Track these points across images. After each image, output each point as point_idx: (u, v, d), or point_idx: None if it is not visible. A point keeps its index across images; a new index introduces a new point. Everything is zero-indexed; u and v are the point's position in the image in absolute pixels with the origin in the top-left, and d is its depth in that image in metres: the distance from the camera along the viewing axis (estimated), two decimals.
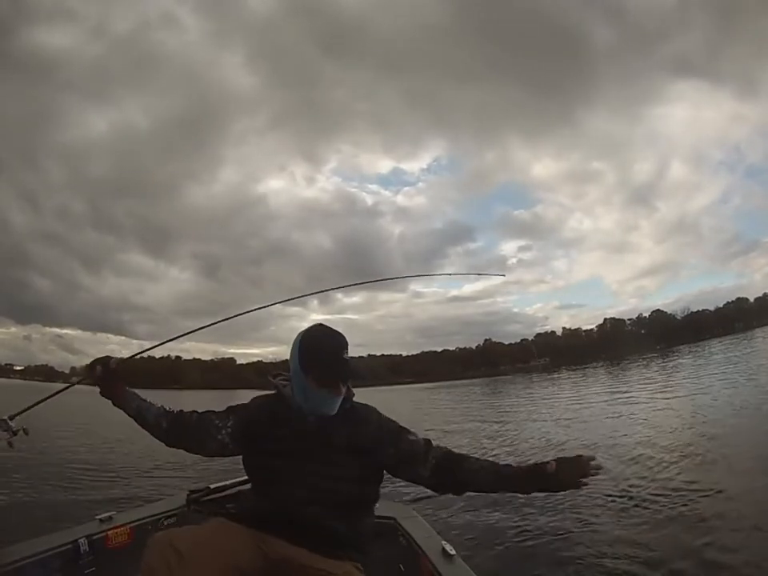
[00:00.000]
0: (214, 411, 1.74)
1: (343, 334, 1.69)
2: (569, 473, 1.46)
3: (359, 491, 1.63)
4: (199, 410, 1.75)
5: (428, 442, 1.67)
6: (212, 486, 2.63)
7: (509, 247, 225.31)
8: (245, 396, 1.76)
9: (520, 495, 1.70)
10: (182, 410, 1.75)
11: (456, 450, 1.67)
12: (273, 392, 1.74)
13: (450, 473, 1.61)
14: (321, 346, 1.64)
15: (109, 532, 2.26)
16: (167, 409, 1.74)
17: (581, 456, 1.46)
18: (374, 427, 1.67)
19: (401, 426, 1.71)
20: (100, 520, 2.31)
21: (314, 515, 1.55)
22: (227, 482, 2.65)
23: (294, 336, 1.70)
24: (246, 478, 2.62)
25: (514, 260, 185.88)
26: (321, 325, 1.71)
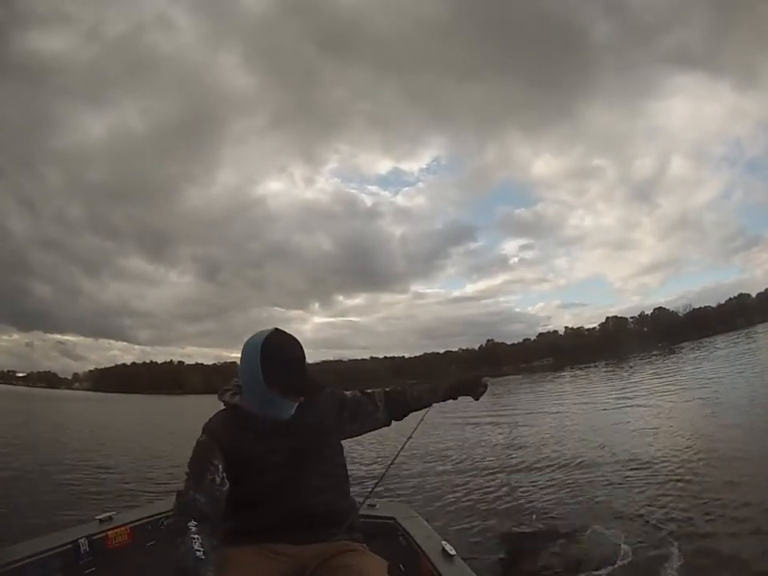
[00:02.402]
0: (200, 468, 1.55)
1: (298, 341, 1.66)
2: (472, 388, 1.98)
3: (342, 465, 1.75)
4: (191, 487, 1.50)
5: (363, 391, 1.90)
6: None
7: (510, 246, 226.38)
8: None
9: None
10: (197, 511, 1.45)
11: (390, 387, 1.96)
12: (224, 408, 1.68)
13: (400, 406, 1.92)
14: (285, 358, 1.62)
15: (109, 532, 2.27)
16: (206, 536, 1.41)
17: (483, 377, 1.98)
18: (326, 401, 1.78)
19: (335, 389, 1.84)
20: (100, 520, 2.32)
21: (320, 510, 1.61)
22: None
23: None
24: None
25: (516, 259, 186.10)
26: (278, 331, 1.66)
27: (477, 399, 2.01)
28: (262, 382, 1.57)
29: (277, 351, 1.60)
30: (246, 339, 1.65)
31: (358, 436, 1.89)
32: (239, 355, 1.66)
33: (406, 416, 1.95)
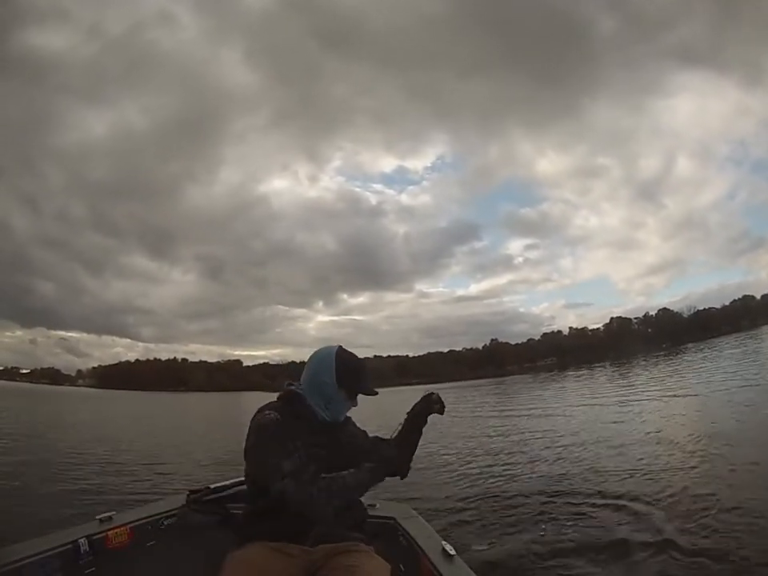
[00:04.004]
0: (279, 443, 1.71)
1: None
2: (426, 408, 2.03)
3: None
4: (296, 470, 1.68)
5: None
6: (212, 486, 2.61)
7: (515, 246, 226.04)
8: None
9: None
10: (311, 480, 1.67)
11: None
12: (280, 400, 1.91)
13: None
14: (356, 366, 1.96)
15: (109, 532, 2.26)
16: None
17: (431, 394, 2.04)
18: (354, 425, 2.08)
19: None
20: (100, 520, 2.31)
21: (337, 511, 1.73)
22: (227, 482, 2.64)
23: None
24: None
25: (521, 259, 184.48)
26: (342, 347, 1.97)
27: (441, 413, 2.11)
28: (334, 384, 1.87)
29: (349, 359, 1.94)
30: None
31: None
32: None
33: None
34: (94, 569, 2.15)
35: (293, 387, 1.93)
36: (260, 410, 1.84)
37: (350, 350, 1.98)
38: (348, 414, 2.02)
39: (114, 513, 2.39)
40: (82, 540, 2.15)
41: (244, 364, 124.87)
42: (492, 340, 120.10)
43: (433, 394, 2.12)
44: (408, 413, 2.12)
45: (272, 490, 1.65)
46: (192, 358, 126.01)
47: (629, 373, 34.27)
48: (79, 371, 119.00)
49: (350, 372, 1.91)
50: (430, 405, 2.10)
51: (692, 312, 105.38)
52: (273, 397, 1.95)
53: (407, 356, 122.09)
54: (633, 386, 22.37)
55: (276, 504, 1.70)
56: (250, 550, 1.65)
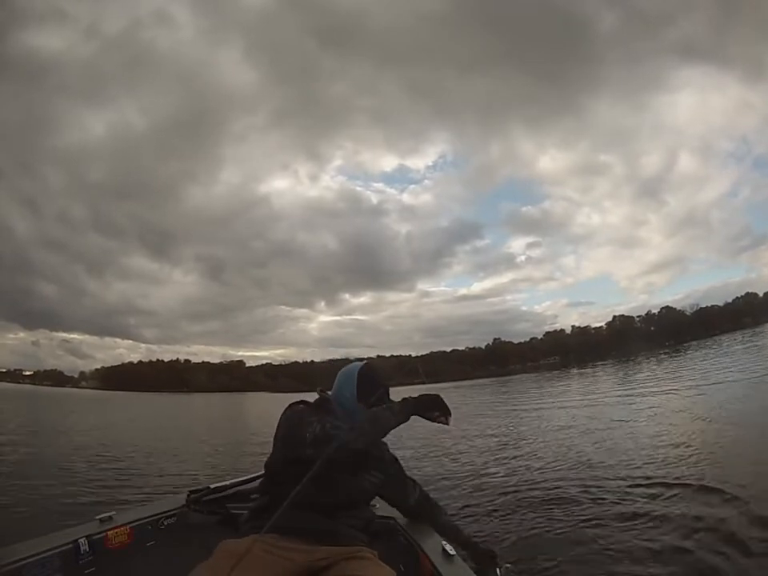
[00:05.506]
0: (303, 423, 1.81)
1: (383, 372, 2.16)
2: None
3: (374, 483, 2.02)
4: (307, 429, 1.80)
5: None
6: (212, 486, 2.62)
7: (517, 244, 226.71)
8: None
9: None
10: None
11: None
12: (309, 402, 2.00)
13: None
14: (377, 382, 2.08)
15: (109, 532, 2.25)
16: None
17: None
18: (388, 450, 2.23)
19: None
20: (100, 520, 2.30)
21: (345, 511, 1.80)
22: (227, 482, 2.65)
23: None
24: (246, 478, 2.64)
25: (523, 257, 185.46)
26: (368, 363, 2.18)
27: (446, 423, 1.98)
28: (355, 398, 2.01)
29: (371, 375, 2.10)
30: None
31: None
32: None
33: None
34: (94, 569, 2.14)
35: (324, 394, 2.07)
36: (290, 405, 1.94)
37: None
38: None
39: (114, 513, 2.37)
40: (81, 540, 2.14)
41: (247, 365, 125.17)
42: (495, 339, 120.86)
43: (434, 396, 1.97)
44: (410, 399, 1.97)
45: (303, 442, 1.73)
46: (195, 359, 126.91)
47: (635, 370, 34.16)
48: (82, 373, 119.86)
49: (370, 387, 2.03)
50: (430, 413, 1.96)
51: (695, 310, 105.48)
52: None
53: (410, 356, 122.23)
54: (641, 382, 22.26)
55: (284, 498, 1.67)
56: (243, 541, 1.62)
